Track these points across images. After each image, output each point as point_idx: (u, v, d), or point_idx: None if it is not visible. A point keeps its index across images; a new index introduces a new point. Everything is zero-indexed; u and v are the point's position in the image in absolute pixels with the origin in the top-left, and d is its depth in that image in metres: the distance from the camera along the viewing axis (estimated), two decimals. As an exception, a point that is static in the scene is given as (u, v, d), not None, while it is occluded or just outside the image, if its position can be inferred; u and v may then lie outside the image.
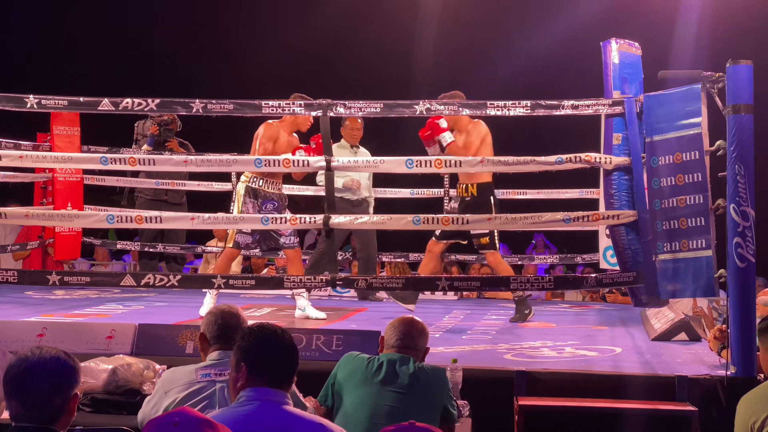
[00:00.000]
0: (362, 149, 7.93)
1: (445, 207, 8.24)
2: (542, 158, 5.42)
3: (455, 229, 6.26)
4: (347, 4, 13.25)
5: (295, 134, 6.64)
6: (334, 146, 7.88)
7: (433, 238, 6.86)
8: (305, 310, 6.57)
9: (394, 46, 13.55)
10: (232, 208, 6.66)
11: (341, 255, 8.96)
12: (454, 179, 8.49)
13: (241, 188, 6.50)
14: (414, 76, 13.35)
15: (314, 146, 6.32)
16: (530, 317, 6.86)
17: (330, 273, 5.60)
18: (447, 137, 6.43)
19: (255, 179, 6.45)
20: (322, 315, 6.54)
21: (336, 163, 5.55)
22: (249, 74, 13.22)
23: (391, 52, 13.57)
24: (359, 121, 7.76)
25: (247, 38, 14.17)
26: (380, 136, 8.99)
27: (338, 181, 7.74)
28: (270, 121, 6.49)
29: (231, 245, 6.49)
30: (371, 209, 8.05)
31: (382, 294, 7.80)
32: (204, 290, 6.47)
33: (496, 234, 6.69)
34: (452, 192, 8.62)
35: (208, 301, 6.33)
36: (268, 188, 6.48)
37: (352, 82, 13.09)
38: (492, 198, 6.68)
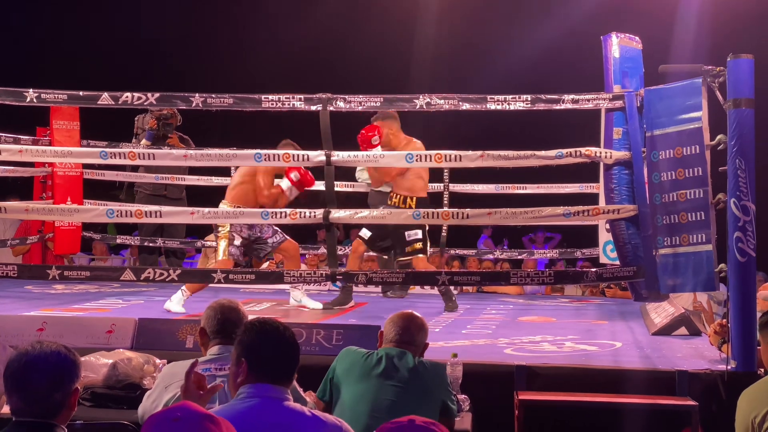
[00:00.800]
0: None
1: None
2: (542, 153, 5.41)
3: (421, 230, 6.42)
4: (346, 0, 13.25)
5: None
6: None
7: (359, 239, 6.86)
8: (302, 300, 6.62)
9: (393, 42, 13.53)
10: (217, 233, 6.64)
11: (341, 250, 8.96)
12: (451, 175, 8.50)
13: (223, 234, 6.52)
14: (413, 72, 13.34)
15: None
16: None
17: (330, 267, 5.59)
18: (378, 152, 6.44)
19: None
20: (319, 305, 6.59)
21: (336, 158, 5.54)
22: (247, 71, 13.20)
23: (390, 48, 13.55)
24: None
25: (246, 35, 14.15)
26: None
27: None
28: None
29: (226, 257, 6.46)
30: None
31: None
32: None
33: (427, 240, 6.75)
34: (452, 186, 8.64)
35: (178, 296, 6.32)
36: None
37: (351, 77, 13.08)
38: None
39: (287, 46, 13.70)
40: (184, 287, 6.33)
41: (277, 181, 6.60)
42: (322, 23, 13.18)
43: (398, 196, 6.70)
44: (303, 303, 6.61)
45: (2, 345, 3.68)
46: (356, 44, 13.72)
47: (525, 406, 4.37)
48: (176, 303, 6.30)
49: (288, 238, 6.70)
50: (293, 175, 6.46)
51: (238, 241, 6.46)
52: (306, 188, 6.66)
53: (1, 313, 5.56)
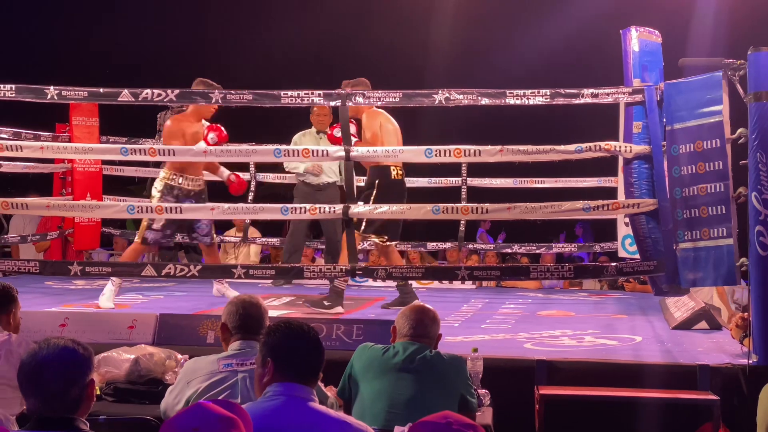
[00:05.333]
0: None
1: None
2: (562, 147, 5.40)
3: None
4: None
5: (205, 121, 6.51)
6: (300, 133, 7.90)
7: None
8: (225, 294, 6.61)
9: (407, 38, 13.52)
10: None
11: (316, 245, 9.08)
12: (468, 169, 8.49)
13: (158, 185, 6.46)
14: (430, 67, 13.32)
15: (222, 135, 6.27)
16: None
17: (350, 263, 5.60)
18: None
19: (174, 177, 6.41)
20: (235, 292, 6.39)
21: (355, 153, 5.54)
22: (262, 66, 13.23)
23: (404, 44, 13.54)
24: (327, 106, 7.54)
25: (261, 31, 14.17)
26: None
27: (300, 166, 7.78)
28: (175, 116, 6.51)
29: (140, 240, 6.41)
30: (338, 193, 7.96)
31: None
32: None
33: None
34: (470, 181, 8.63)
35: (109, 288, 6.29)
36: (186, 185, 6.44)
37: (367, 72, 13.08)
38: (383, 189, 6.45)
39: (299, 44, 13.72)
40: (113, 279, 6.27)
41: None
42: (335, 19, 13.19)
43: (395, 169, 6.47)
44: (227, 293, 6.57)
45: (26, 341, 3.70)
46: (370, 40, 13.72)
47: (546, 400, 4.37)
48: (108, 295, 6.28)
49: (214, 243, 6.69)
50: (210, 137, 6.25)
51: (159, 225, 6.32)
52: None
53: (24, 309, 5.59)
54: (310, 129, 7.88)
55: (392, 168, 6.36)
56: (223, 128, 6.28)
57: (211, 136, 6.22)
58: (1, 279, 6.19)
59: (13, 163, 7.86)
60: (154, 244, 6.52)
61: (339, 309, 6.25)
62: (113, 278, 6.25)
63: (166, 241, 6.62)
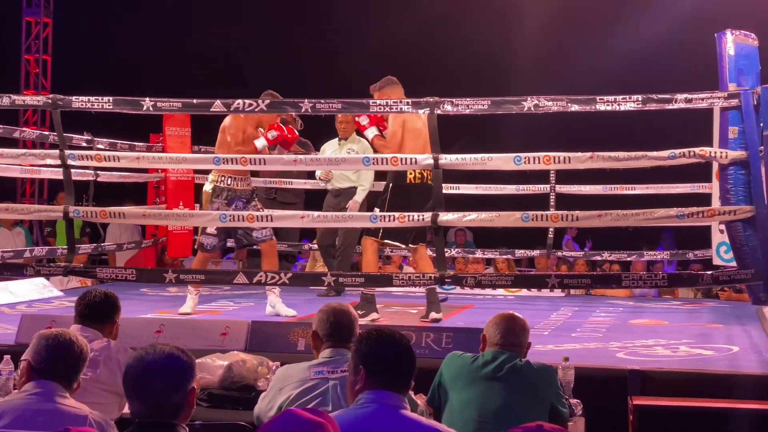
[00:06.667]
0: (361, 142, 7.61)
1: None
2: (654, 153, 5.32)
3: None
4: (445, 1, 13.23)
5: (260, 129, 6.52)
6: (328, 142, 7.83)
7: (370, 238, 6.41)
8: (275, 306, 6.41)
9: (492, 42, 13.44)
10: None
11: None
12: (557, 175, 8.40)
13: (208, 188, 6.48)
14: (513, 72, 13.22)
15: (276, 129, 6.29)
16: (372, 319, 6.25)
17: (438, 270, 5.60)
18: (368, 134, 6.37)
19: (223, 179, 6.41)
20: (292, 312, 6.36)
21: (444, 161, 5.54)
22: (342, 73, 13.30)
23: (488, 49, 13.46)
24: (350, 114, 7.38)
25: (341, 37, 14.25)
26: (473, 132, 8.97)
27: (316, 174, 7.78)
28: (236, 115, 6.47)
29: (199, 248, 6.43)
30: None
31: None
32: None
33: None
34: (558, 188, 8.54)
35: (189, 301, 6.37)
36: (236, 186, 6.43)
37: (448, 79, 13.05)
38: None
39: (382, 46, 13.74)
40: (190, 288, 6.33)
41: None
42: (418, 26, 13.19)
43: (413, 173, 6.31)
44: (277, 309, 6.39)
45: (124, 347, 3.80)
46: (455, 45, 13.67)
47: (640, 410, 4.29)
48: (188, 307, 6.36)
49: (273, 239, 6.57)
50: (270, 134, 6.27)
51: (213, 229, 6.33)
52: (290, 145, 6.50)
53: (121, 316, 5.73)
54: (336, 138, 7.87)
55: (409, 172, 6.21)
56: (284, 128, 6.30)
57: (272, 132, 6.26)
58: (99, 286, 6.36)
59: (109, 173, 8.08)
60: (212, 249, 6.57)
61: (375, 315, 6.22)
62: (190, 287, 6.36)
63: (222, 244, 6.66)
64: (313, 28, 14.52)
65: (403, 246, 6.53)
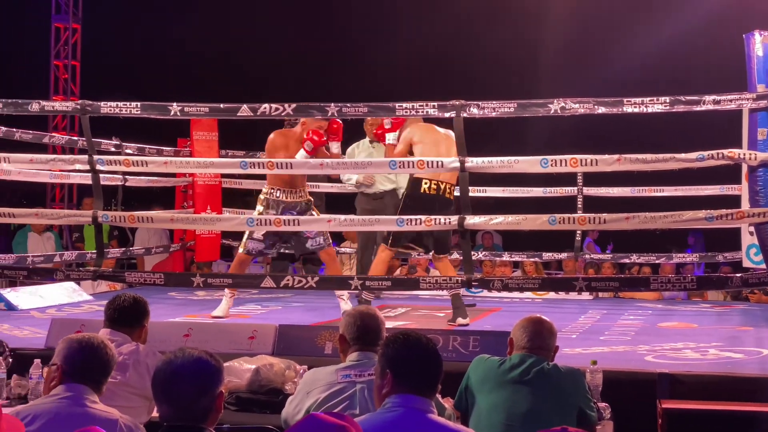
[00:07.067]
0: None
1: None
2: (682, 155, 5.28)
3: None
4: (470, 3, 13.21)
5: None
6: (354, 144, 7.83)
7: (383, 245, 6.41)
8: None
9: (518, 44, 13.41)
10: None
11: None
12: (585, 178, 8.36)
13: (261, 198, 6.50)
14: (539, 74, 13.19)
15: (316, 138, 6.25)
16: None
17: (466, 274, 5.59)
18: (389, 138, 6.34)
19: (272, 191, 6.42)
20: None
21: (470, 164, 5.53)
22: (372, 76, 13.32)
23: (517, 43, 13.42)
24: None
25: (369, 39, 14.28)
26: (501, 135, 8.94)
27: (353, 178, 7.72)
28: (279, 130, 6.50)
29: (242, 251, 6.44)
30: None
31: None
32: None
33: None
34: (585, 190, 8.50)
35: (224, 304, 6.39)
36: (286, 198, 6.42)
37: (474, 81, 13.02)
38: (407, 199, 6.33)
39: (410, 48, 13.75)
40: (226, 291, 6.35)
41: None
42: (446, 26, 13.18)
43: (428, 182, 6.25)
44: None
45: (153, 351, 3.82)
46: (482, 45, 13.66)
47: (668, 414, 4.27)
48: (222, 310, 6.38)
49: (331, 246, 6.58)
50: (307, 145, 6.24)
51: (260, 234, 6.34)
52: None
53: (150, 320, 5.77)
54: (364, 139, 7.86)
55: (424, 181, 6.20)
56: (321, 132, 6.30)
57: (308, 143, 6.24)
58: (128, 290, 6.41)
59: (137, 177, 8.14)
60: (257, 254, 6.59)
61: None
62: (226, 290, 6.39)
63: (268, 251, 6.65)
64: (337, 32, 14.57)
65: (420, 250, 6.50)
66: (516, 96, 5.70)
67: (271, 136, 6.50)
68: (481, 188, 8.50)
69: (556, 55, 13.32)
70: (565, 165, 5.44)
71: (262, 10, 14.13)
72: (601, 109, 5.38)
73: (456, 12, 13.34)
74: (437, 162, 5.77)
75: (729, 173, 7.78)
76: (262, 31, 14.11)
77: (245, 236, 6.44)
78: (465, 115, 5.59)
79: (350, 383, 3.45)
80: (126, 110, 5.87)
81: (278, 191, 6.42)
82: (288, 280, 5.58)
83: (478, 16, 13.62)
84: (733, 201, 7.95)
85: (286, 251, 6.88)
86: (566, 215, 5.47)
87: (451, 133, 6.24)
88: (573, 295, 8.13)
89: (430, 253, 6.47)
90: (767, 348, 5.49)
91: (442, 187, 6.22)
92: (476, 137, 5.81)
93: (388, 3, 14.32)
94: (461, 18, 13.52)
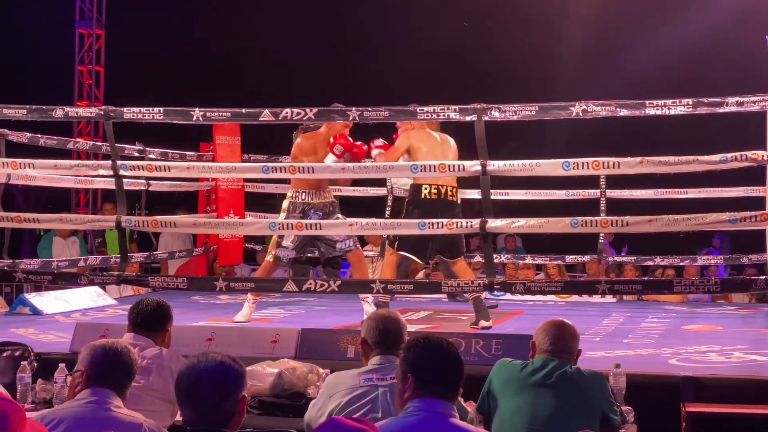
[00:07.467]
0: None
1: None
2: (705, 157, 5.25)
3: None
4: (486, 6, 13.19)
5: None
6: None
7: (389, 248, 6.44)
8: None
9: (540, 38, 13.36)
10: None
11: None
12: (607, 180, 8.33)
13: (285, 204, 6.52)
14: (557, 75, 13.15)
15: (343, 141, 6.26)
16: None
17: (488, 277, 5.58)
18: (374, 153, 6.35)
19: (297, 194, 6.45)
20: None
21: (492, 167, 5.53)
22: (389, 78, 13.32)
23: (537, 44, 13.38)
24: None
25: (384, 42, 14.28)
26: (519, 137, 8.92)
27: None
28: (306, 134, 6.50)
29: (270, 259, 6.45)
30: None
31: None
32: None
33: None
34: (608, 192, 8.47)
35: (246, 309, 6.39)
36: (311, 199, 6.44)
37: (491, 84, 12.98)
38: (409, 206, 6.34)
39: (425, 50, 13.74)
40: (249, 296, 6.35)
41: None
42: (462, 29, 13.17)
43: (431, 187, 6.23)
44: None
45: (176, 355, 3.84)
46: (501, 47, 13.63)
47: (693, 418, 4.24)
48: (244, 315, 6.38)
49: (359, 248, 6.59)
50: (336, 148, 6.25)
51: (289, 242, 6.36)
52: (361, 158, 6.42)
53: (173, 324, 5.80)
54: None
55: (424, 186, 6.20)
56: (349, 137, 6.32)
57: (337, 147, 6.25)
58: (152, 294, 6.44)
59: (160, 182, 8.19)
60: (287, 262, 6.61)
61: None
62: (249, 295, 6.40)
63: (298, 258, 6.68)
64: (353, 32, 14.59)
65: (420, 261, 6.52)
66: (534, 98, 5.69)
67: (298, 140, 6.53)
68: (503, 191, 8.49)
69: (571, 57, 13.27)
70: (587, 168, 5.42)
71: (288, 18, 14.19)
72: (623, 112, 5.36)
73: (473, 10, 13.31)
74: (459, 166, 5.76)
75: (754, 174, 7.73)
76: (275, 37, 14.15)
77: (273, 243, 6.45)
78: (486, 118, 5.58)
79: (372, 387, 3.46)
80: (149, 116, 5.91)
81: (303, 193, 6.46)
82: (310, 283, 5.59)
83: (491, 17, 13.60)
84: (759, 202, 7.89)
85: (311, 255, 6.91)
86: (588, 218, 5.46)
87: (448, 138, 6.30)
88: (596, 298, 8.09)
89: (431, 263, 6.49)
90: (792, 351, 5.45)
91: (443, 190, 6.24)
92: (490, 140, 5.79)
93: (400, 4, 14.31)
94: (479, 18, 13.50)
